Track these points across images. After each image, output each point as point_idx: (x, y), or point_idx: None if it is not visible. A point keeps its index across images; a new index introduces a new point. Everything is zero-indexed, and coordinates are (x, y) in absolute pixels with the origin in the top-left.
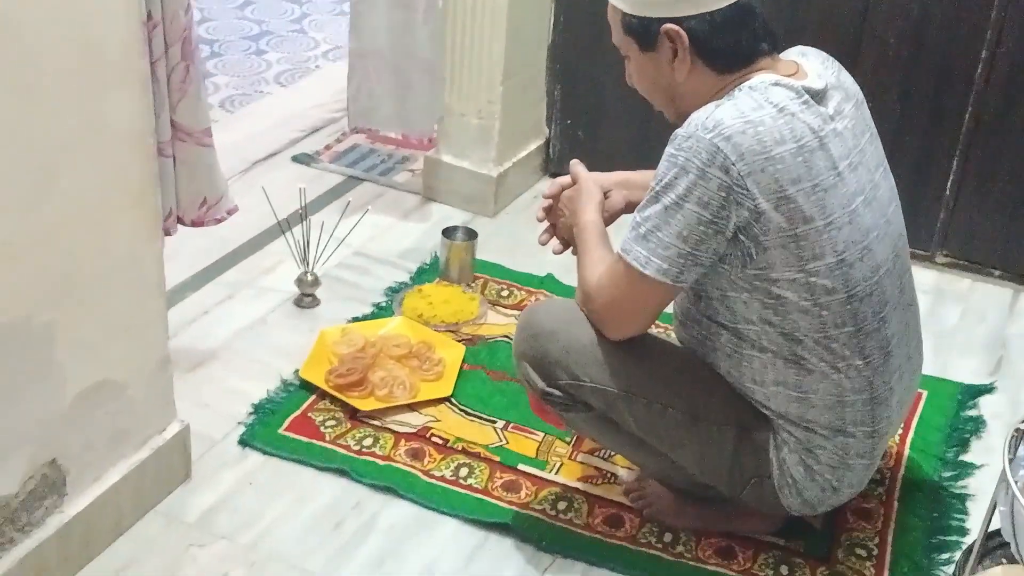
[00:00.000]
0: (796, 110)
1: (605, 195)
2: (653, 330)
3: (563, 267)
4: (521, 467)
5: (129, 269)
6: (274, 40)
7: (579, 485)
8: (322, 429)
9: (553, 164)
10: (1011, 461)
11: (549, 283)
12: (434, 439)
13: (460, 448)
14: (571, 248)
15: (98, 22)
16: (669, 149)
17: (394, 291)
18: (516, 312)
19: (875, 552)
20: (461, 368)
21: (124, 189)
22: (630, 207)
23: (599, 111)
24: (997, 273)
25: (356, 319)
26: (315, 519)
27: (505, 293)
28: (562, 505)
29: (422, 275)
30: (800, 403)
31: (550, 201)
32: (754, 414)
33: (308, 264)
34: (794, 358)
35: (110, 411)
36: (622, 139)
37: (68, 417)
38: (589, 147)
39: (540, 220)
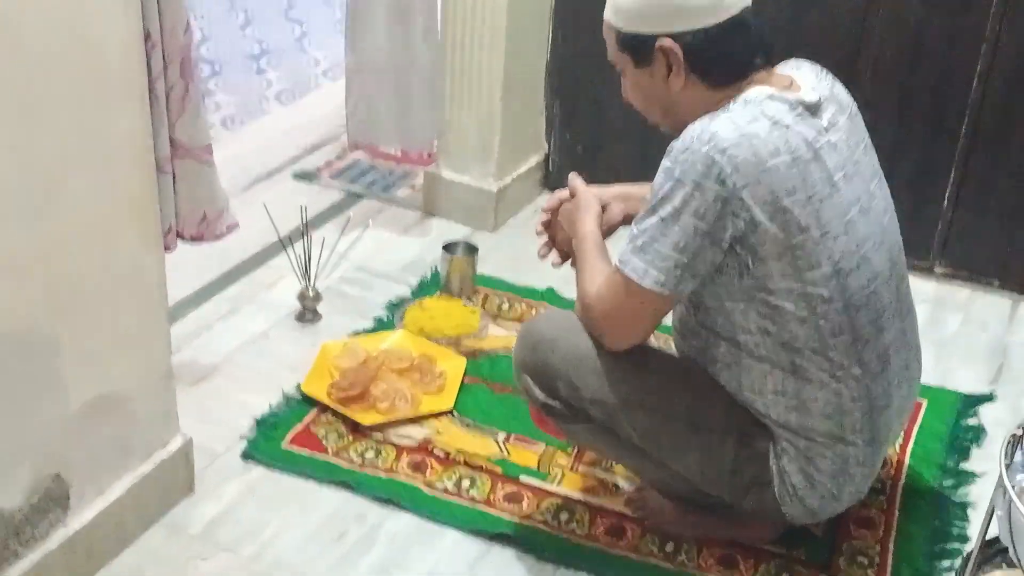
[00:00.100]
0: (790, 122)
1: (603, 208)
2: (653, 341)
3: (563, 280)
4: (523, 478)
5: (132, 283)
6: (275, 59)
7: (581, 496)
8: (324, 442)
9: (552, 178)
10: (1008, 466)
11: (550, 296)
12: (436, 451)
13: (462, 460)
14: (570, 261)
15: (99, 40)
16: (665, 162)
17: (395, 305)
18: (517, 325)
19: (876, 560)
20: (462, 381)
21: (126, 203)
22: (628, 220)
23: (598, 125)
24: (996, 283)
25: (358, 333)
26: (318, 530)
27: (506, 306)
28: (564, 516)
29: (423, 289)
30: (799, 412)
31: (549, 214)
32: (754, 423)
33: (310, 279)
34: (792, 367)
35: (114, 424)
36: (621, 153)
37: (72, 430)
38: (588, 161)
39: (539, 233)
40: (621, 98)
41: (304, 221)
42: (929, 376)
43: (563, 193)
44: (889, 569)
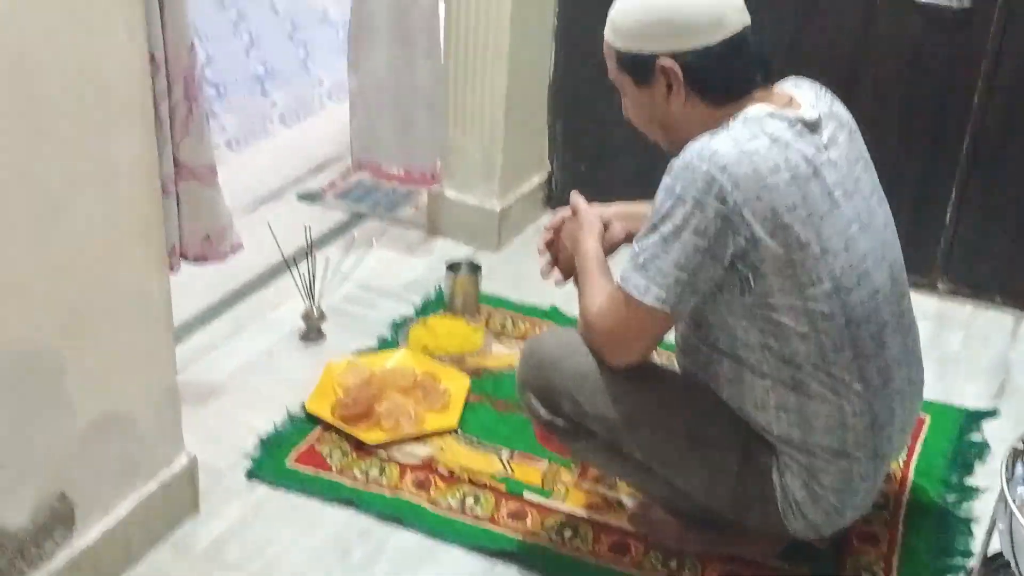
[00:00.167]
0: (790, 139)
1: (605, 227)
2: (655, 357)
3: (567, 298)
4: (527, 495)
5: (137, 303)
6: (279, 80)
7: (585, 512)
8: (329, 461)
9: (555, 197)
10: (1009, 480)
11: (553, 315)
12: (440, 469)
13: (466, 478)
14: (573, 279)
15: (106, 63)
16: (666, 179)
17: (399, 324)
18: (520, 343)
19: None
20: (466, 399)
21: (131, 224)
22: (630, 238)
23: (600, 145)
24: (998, 299)
25: (362, 352)
26: (322, 548)
27: (509, 325)
28: (568, 532)
29: (427, 308)
30: (802, 427)
31: (551, 233)
32: (757, 439)
33: (314, 299)
34: (794, 383)
35: (119, 443)
36: (623, 172)
37: (77, 449)
38: (591, 180)
39: (541, 252)
40: (623, 117)
41: (308, 241)
42: (932, 392)
43: (565, 212)
44: None
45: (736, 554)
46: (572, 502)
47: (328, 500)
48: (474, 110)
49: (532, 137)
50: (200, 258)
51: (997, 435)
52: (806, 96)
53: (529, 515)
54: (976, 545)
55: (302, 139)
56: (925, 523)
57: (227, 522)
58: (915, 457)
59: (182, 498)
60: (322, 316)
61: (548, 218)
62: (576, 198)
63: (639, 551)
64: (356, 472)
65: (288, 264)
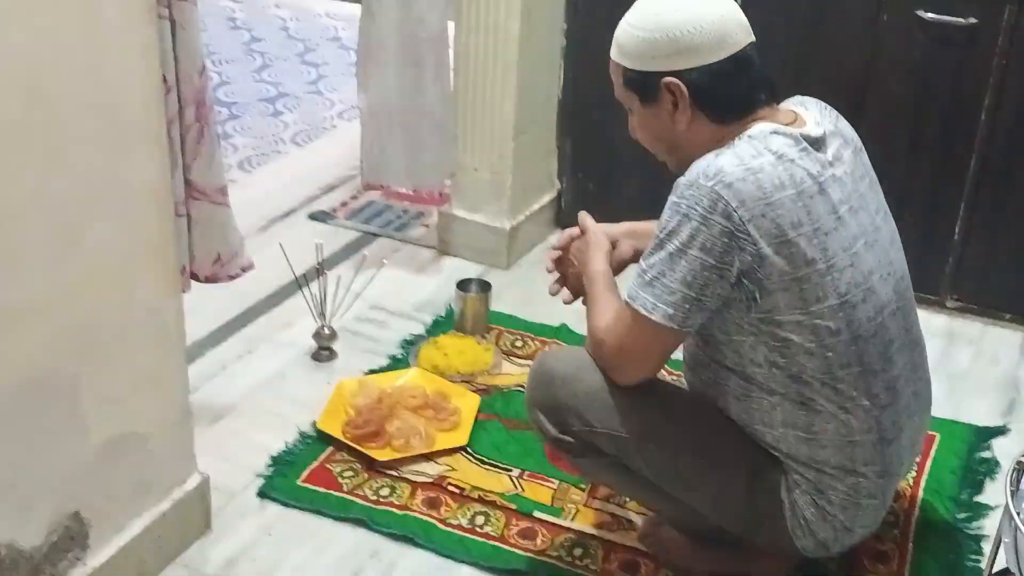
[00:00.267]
0: (795, 156)
1: (613, 245)
2: (664, 375)
3: (576, 317)
4: (537, 514)
5: (150, 323)
6: (291, 101)
7: (595, 531)
8: (340, 480)
9: (564, 217)
10: (1014, 493)
11: (563, 333)
12: (450, 488)
13: (476, 496)
14: (581, 298)
15: (120, 87)
16: (672, 197)
17: (410, 343)
18: (530, 362)
19: None
20: (476, 418)
21: (144, 246)
22: (638, 256)
23: (609, 164)
24: (1008, 316)
25: (373, 371)
26: (334, 567)
27: (519, 343)
28: (578, 551)
29: (437, 327)
30: (809, 444)
31: (559, 252)
32: (765, 456)
33: (325, 318)
34: (802, 399)
35: (132, 463)
36: (632, 191)
37: (91, 469)
38: (600, 199)
39: (550, 271)
40: (631, 136)
41: (319, 260)
42: (942, 410)
43: (573, 231)
44: None
45: (746, 573)
46: (582, 520)
47: (339, 519)
48: (484, 130)
49: (541, 157)
50: (211, 279)
51: (1007, 452)
52: (811, 114)
53: (539, 534)
54: (986, 563)
55: (314, 160)
56: (935, 541)
57: (239, 541)
58: (925, 475)
59: (194, 517)
60: (333, 335)
61: (557, 237)
62: (584, 217)
63: (649, 570)
64: (367, 491)
65: (299, 284)
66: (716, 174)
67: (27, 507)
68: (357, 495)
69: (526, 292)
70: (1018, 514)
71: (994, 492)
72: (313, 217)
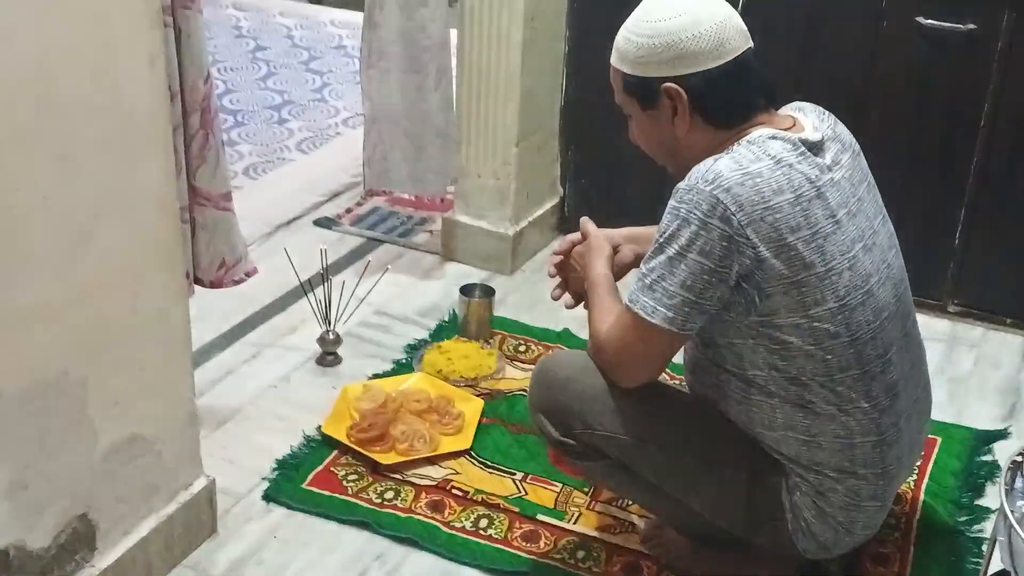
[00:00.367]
0: (793, 161)
1: (614, 250)
2: (665, 379)
3: (579, 322)
4: (540, 517)
5: (158, 328)
6: (296, 109)
7: (597, 534)
8: (344, 483)
9: (567, 222)
10: (1008, 492)
11: (565, 338)
12: (454, 491)
13: (480, 500)
14: (583, 303)
15: (129, 95)
16: (671, 202)
17: (414, 348)
18: (533, 367)
19: None
20: (480, 421)
21: (152, 251)
22: (639, 260)
23: (612, 170)
24: (1009, 321)
25: (377, 375)
26: (339, 570)
27: (522, 348)
28: (581, 554)
29: (441, 332)
30: (809, 446)
31: (561, 257)
32: (765, 458)
33: (330, 323)
34: (801, 402)
35: (139, 466)
36: (635, 197)
37: (99, 471)
38: (603, 205)
39: (552, 276)
40: (633, 143)
41: (324, 265)
42: (943, 413)
43: (575, 236)
44: None
45: (747, 575)
46: (585, 523)
47: (344, 522)
48: (487, 137)
49: (545, 163)
50: (216, 284)
51: (1008, 456)
52: (809, 119)
53: (542, 536)
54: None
55: (319, 166)
56: (936, 544)
57: (245, 544)
58: (926, 478)
59: (201, 520)
60: (338, 340)
61: (559, 242)
62: (585, 222)
63: (651, 572)
64: (371, 494)
65: (304, 289)
66: (715, 179)
67: (36, 508)
68: (362, 498)
69: (529, 297)
70: (1012, 512)
71: (995, 495)
72: (318, 223)
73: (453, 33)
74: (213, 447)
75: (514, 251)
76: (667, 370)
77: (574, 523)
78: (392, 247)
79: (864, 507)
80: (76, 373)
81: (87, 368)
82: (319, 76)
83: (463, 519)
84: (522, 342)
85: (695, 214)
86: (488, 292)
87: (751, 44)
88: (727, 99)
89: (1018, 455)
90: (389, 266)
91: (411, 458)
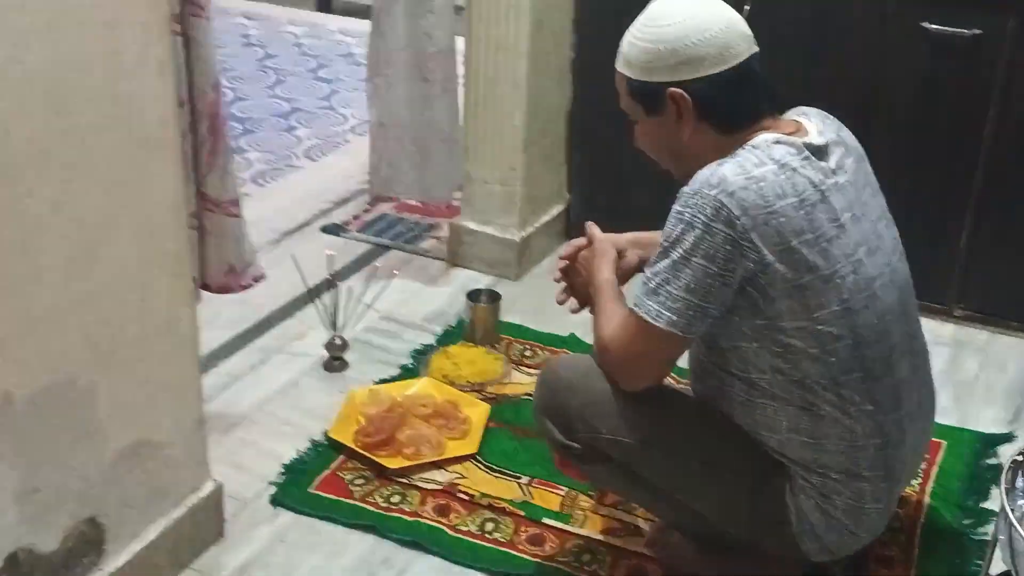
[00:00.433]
0: (797, 165)
1: (620, 254)
2: (670, 383)
3: (585, 327)
4: (546, 521)
5: (166, 333)
6: (304, 117)
7: (603, 537)
8: (351, 487)
9: (574, 228)
10: (1009, 491)
11: (572, 343)
12: (460, 495)
13: (486, 503)
14: (588, 307)
15: (138, 102)
16: (676, 206)
17: (421, 353)
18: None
19: None
20: (486, 426)
21: (160, 258)
22: (644, 265)
23: (618, 176)
24: (1015, 325)
25: (384, 381)
26: (345, 574)
27: (529, 353)
28: (586, 557)
29: (448, 337)
30: (813, 449)
31: (567, 262)
32: (770, 461)
33: (337, 329)
34: (805, 405)
35: (147, 470)
36: (641, 203)
37: (107, 475)
38: (609, 211)
39: (557, 280)
40: (639, 149)
41: (331, 271)
42: (949, 417)
43: (580, 241)
44: None
45: None
46: (590, 527)
47: (350, 526)
48: (494, 143)
49: (551, 168)
50: (223, 289)
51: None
52: (813, 124)
53: (548, 540)
54: (993, 570)
55: (326, 174)
56: (941, 547)
57: (252, 548)
58: (931, 481)
59: (208, 524)
60: (345, 346)
61: (566, 247)
62: (591, 227)
63: (657, 575)
64: (378, 498)
65: (311, 296)
66: (719, 183)
67: (45, 512)
68: (368, 502)
69: (536, 303)
70: (1013, 511)
71: (999, 498)
72: (326, 230)
73: (460, 40)
74: (221, 452)
75: (521, 257)
76: (673, 374)
77: (580, 527)
78: (399, 253)
79: (868, 509)
80: (85, 378)
81: (96, 373)
82: (327, 84)
83: (469, 523)
84: (528, 347)
85: (699, 218)
86: (495, 297)
87: (756, 49)
88: (732, 104)
89: (1019, 454)
90: (396, 272)
91: (417, 462)
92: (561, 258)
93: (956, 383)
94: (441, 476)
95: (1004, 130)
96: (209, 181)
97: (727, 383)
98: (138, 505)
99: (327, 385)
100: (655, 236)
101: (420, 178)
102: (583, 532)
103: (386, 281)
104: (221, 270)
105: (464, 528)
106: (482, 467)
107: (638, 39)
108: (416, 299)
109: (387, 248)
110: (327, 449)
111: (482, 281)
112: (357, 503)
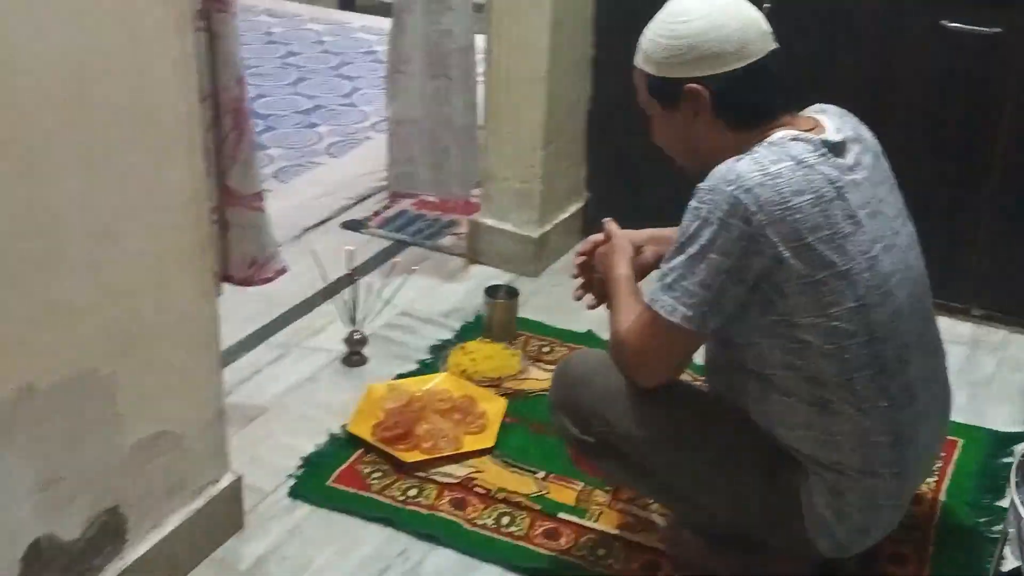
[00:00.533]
0: (814, 162)
1: (637, 251)
2: (684, 378)
3: (602, 323)
4: (561, 515)
5: (186, 325)
6: (325, 113)
7: (618, 532)
8: (368, 481)
9: (592, 225)
10: (1019, 485)
11: (589, 339)
12: (477, 489)
13: (502, 498)
14: (605, 304)
15: (157, 96)
16: (692, 202)
17: (439, 348)
18: None
19: None
20: (503, 421)
21: (181, 250)
22: (660, 261)
23: (637, 173)
24: None
25: (402, 375)
26: (362, 566)
27: (546, 349)
28: (601, 551)
29: (466, 333)
30: (827, 445)
31: (584, 258)
32: (783, 457)
33: (356, 324)
34: (819, 401)
35: (167, 461)
36: (659, 200)
37: (128, 466)
38: (628, 208)
39: (574, 276)
40: (658, 146)
41: (351, 266)
42: (964, 415)
43: (597, 237)
44: None
45: (765, 574)
46: (605, 522)
47: (367, 518)
48: (514, 140)
49: (570, 165)
50: (245, 282)
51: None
52: (831, 120)
53: (563, 534)
54: (1006, 566)
55: (347, 170)
56: (955, 545)
57: (270, 540)
58: (946, 479)
59: (227, 516)
60: (364, 341)
61: (583, 243)
62: (608, 223)
63: (671, 570)
64: (395, 491)
65: (330, 291)
66: (736, 179)
67: (67, 501)
68: (385, 496)
69: (554, 299)
70: (1022, 505)
71: None
72: (346, 226)
73: (479, 38)
74: (240, 444)
75: (539, 253)
76: (689, 371)
77: (595, 521)
78: (418, 249)
79: (881, 507)
80: (106, 370)
81: (117, 365)
82: (349, 81)
83: (485, 516)
84: (546, 343)
85: (715, 214)
86: (513, 294)
87: (775, 46)
88: (749, 100)
89: None
90: (415, 268)
91: (435, 456)
92: (579, 254)
93: (972, 382)
94: (458, 470)
95: (1021, 128)
96: (233, 174)
97: (741, 379)
98: (158, 496)
99: (346, 380)
100: (672, 232)
101: (438, 175)
102: (598, 527)
103: (405, 277)
104: (244, 263)
105: (480, 522)
106: (499, 462)
107: (657, 35)
108: (434, 295)
109: (406, 244)
110: (345, 443)
111: (500, 277)
112: (374, 496)
